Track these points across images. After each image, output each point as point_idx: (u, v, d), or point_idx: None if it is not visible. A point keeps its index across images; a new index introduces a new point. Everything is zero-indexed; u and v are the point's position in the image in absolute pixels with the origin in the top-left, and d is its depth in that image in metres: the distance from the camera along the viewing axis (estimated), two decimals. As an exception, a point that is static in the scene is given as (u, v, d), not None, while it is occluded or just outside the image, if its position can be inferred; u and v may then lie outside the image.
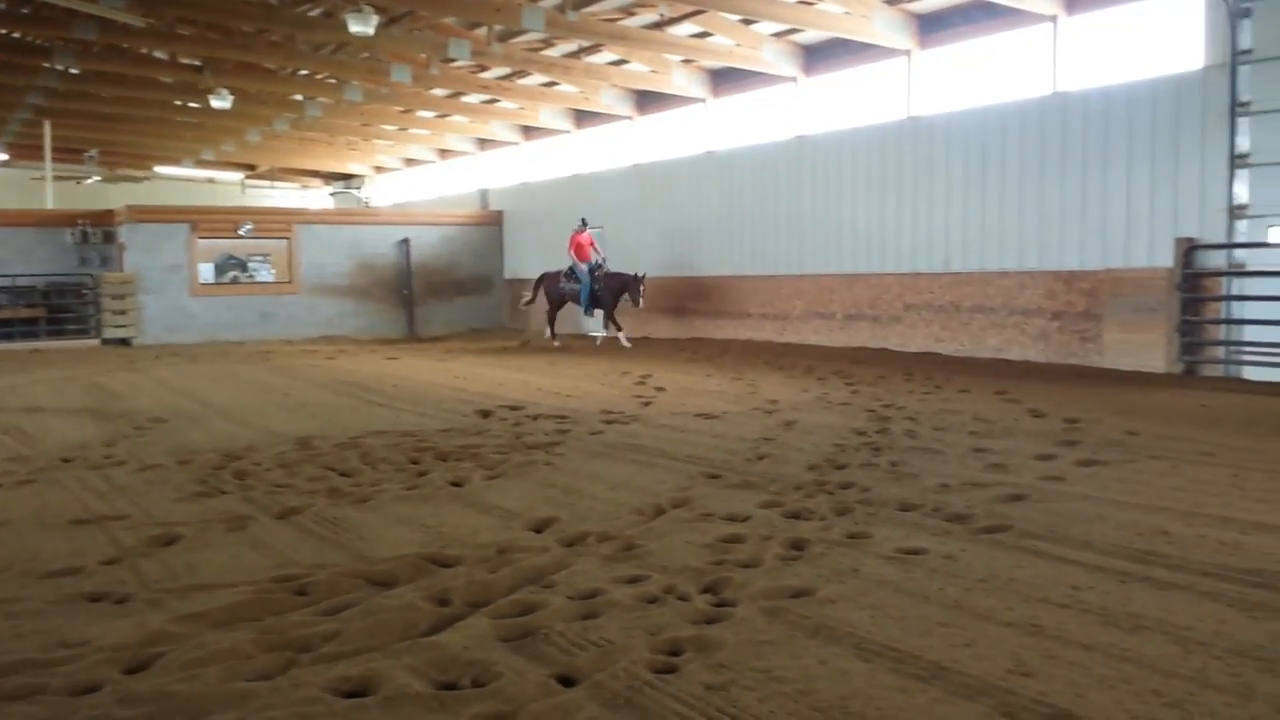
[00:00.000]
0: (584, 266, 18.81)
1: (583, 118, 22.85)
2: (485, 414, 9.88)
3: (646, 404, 10.45)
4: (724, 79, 19.01)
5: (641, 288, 17.98)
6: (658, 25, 16.71)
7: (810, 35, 16.56)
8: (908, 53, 15.52)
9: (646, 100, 20.84)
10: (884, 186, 15.87)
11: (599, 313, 19.34)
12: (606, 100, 20.79)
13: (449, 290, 24.88)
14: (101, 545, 5.32)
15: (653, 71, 18.98)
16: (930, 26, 15.23)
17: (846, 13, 14.77)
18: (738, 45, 16.94)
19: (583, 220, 19.28)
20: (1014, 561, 4.69)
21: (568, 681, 3.47)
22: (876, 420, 8.92)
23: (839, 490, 6.16)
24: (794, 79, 17.54)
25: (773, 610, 4.07)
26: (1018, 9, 13.46)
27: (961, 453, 7.33)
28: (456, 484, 6.65)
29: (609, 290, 18.47)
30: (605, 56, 18.96)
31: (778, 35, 16.87)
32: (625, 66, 19.15)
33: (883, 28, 15.02)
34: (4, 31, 18.30)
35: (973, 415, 9.10)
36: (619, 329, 18.50)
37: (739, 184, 18.54)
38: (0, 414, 10.63)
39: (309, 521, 5.77)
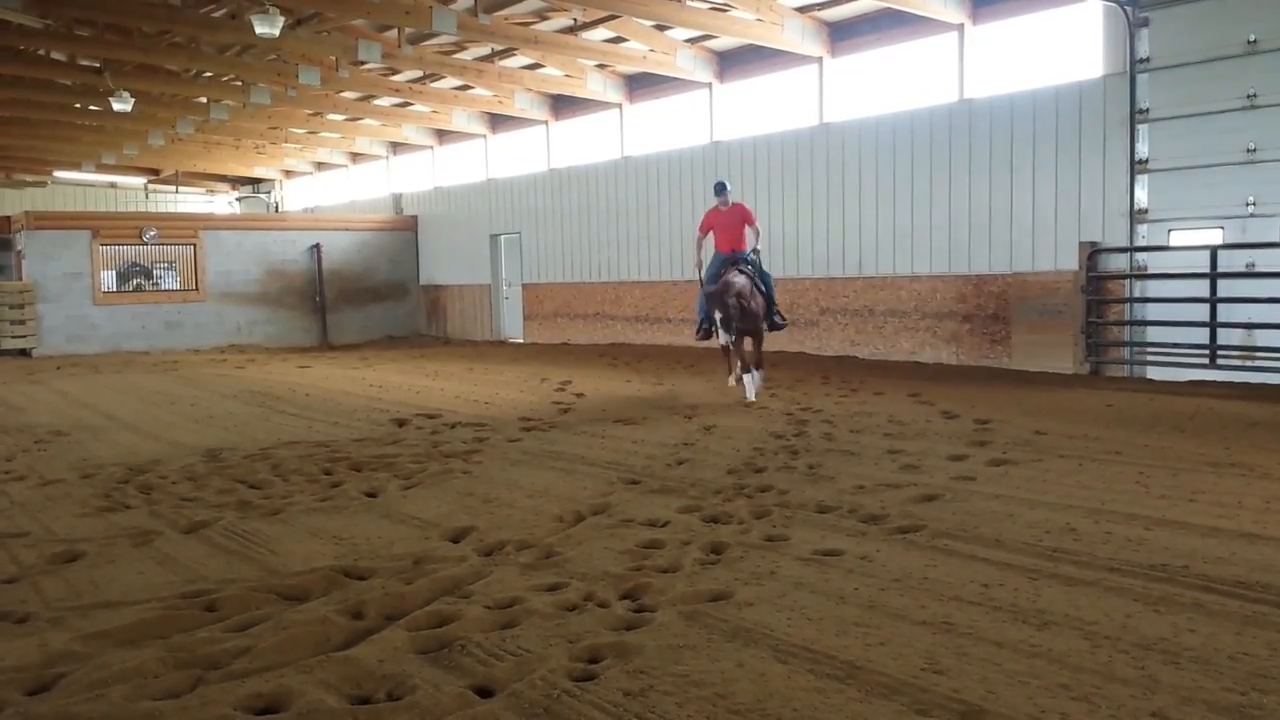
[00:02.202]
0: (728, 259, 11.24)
1: (497, 121, 22.72)
2: (401, 423, 9.75)
3: (566, 410, 10.41)
4: (640, 84, 19.08)
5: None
6: (571, 30, 16.69)
7: (724, 42, 16.70)
8: (819, 60, 15.75)
9: (562, 104, 20.81)
10: (798, 191, 16.08)
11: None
12: (521, 104, 20.70)
13: (363, 297, 24.51)
14: (0, 563, 5.12)
15: (567, 76, 18.95)
16: (841, 34, 15.48)
17: (759, 20, 14.93)
18: (652, 51, 17.01)
19: (720, 184, 11.55)
20: (927, 561, 4.77)
21: (485, 693, 3.44)
22: (794, 423, 9.02)
23: (757, 494, 6.21)
24: (708, 84, 17.68)
25: (692, 615, 4.08)
26: (925, 17, 13.76)
27: (877, 454, 7.45)
28: (371, 494, 6.55)
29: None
30: (519, 60, 18.87)
31: (692, 41, 16.99)
32: (540, 71, 19.08)
33: (794, 35, 15.22)
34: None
35: (888, 417, 9.26)
36: (755, 367, 11.04)
37: (657, 188, 18.62)
38: (-113, 429, 10.15)
39: (218, 535, 5.62)
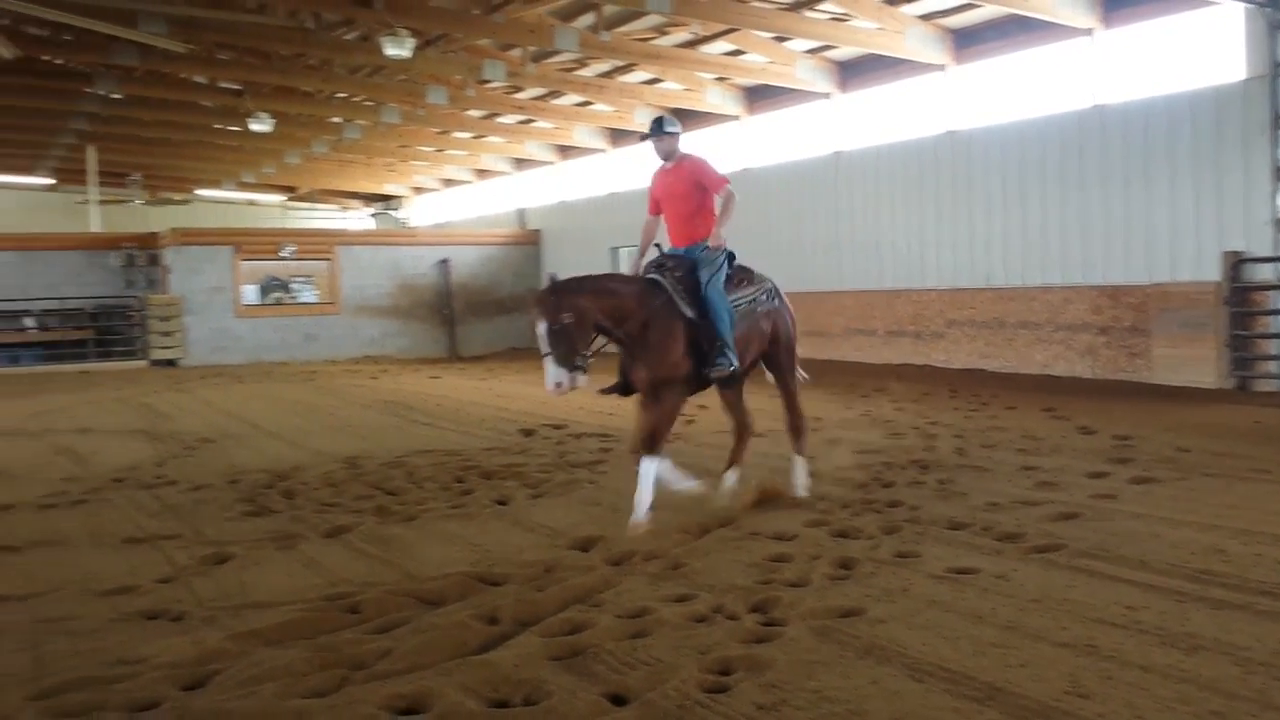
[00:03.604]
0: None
1: (617, 136, 22.96)
2: (528, 433, 9.92)
3: (689, 422, 10.43)
4: (759, 96, 19.03)
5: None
6: (690, 44, 16.78)
7: (844, 51, 16.54)
8: (943, 68, 15.46)
9: (680, 118, 20.92)
10: (923, 201, 15.80)
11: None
12: (640, 119, 20.88)
13: (489, 309, 25.03)
14: (156, 564, 5.40)
15: (686, 90, 19.04)
16: (965, 41, 15.16)
17: (880, 29, 14.74)
18: (771, 62, 16.96)
19: (657, 122, 6.70)
20: (1067, 581, 4.63)
21: (619, 700, 3.48)
22: (923, 438, 8.85)
23: (886, 509, 6.12)
24: (829, 95, 17.53)
25: (823, 630, 4.05)
26: (1054, 23, 13.38)
27: (1010, 470, 7.26)
28: (501, 502, 6.69)
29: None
30: (639, 76, 19.05)
31: (811, 52, 16.87)
32: (659, 85, 19.23)
33: (917, 44, 14.98)
34: (47, 58, 18.65)
35: (1021, 432, 9.01)
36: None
37: (776, 200, 18.52)
38: (52, 435, 10.83)
39: (358, 540, 5.82)
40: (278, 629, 4.27)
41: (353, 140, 23.85)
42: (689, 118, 20.48)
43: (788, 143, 18.79)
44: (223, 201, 33.28)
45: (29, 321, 22.60)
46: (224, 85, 20.82)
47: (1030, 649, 3.81)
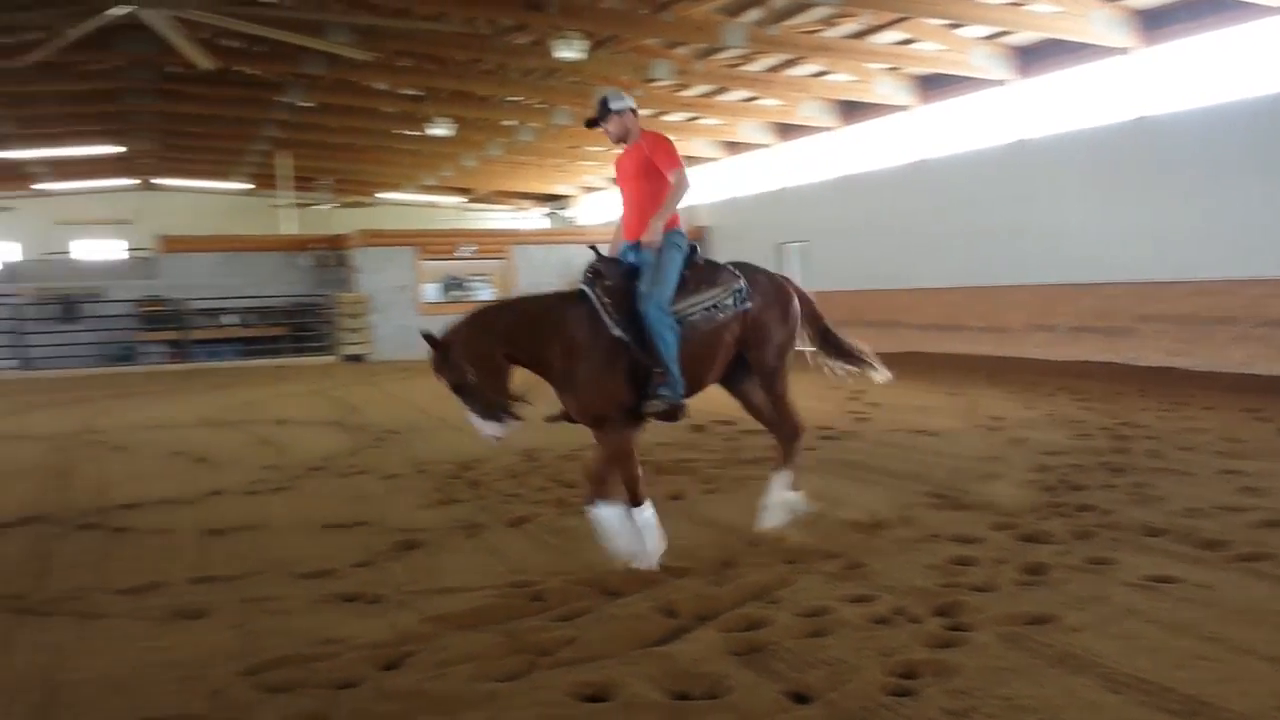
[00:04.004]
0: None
1: (784, 130, 22.76)
2: (698, 428, 9.97)
3: (862, 420, 10.28)
4: (931, 85, 18.49)
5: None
6: (860, 35, 16.46)
7: (1022, 37, 15.89)
8: (1126, 51, 14.66)
9: (850, 110, 20.54)
10: (1110, 190, 15.02)
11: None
12: (807, 112, 20.62)
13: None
14: (352, 549, 5.70)
15: (855, 81, 18.70)
16: (1154, 23, 14.31)
17: (1061, 12, 14.09)
18: (945, 50, 16.44)
19: (604, 100, 5.68)
20: (1277, 593, 4.34)
21: (801, 699, 3.47)
22: (1114, 439, 8.43)
23: (1076, 513, 5.86)
24: (1007, 81, 16.88)
25: (1012, 636, 3.93)
26: (1248, 1, 12.48)
27: (1211, 474, 6.84)
28: (675, 497, 6.75)
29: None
30: (806, 69, 18.81)
31: (987, 38, 16.29)
32: (826, 78, 18.94)
33: (1101, 26, 14.24)
34: (242, 69, 19.86)
35: (1221, 434, 8.47)
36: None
37: (951, 191, 17.98)
38: (253, 425, 11.56)
39: (539, 530, 6.00)
40: (468, 614, 4.45)
41: (525, 142, 24.48)
42: (858, 110, 20.14)
43: (963, 132, 18.21)
44: (404, 204, 34.72)
45: (230, 319, 24.20)
46: (405, 92, 21.72)
47: (1236, 663, 3.60)
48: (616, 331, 5.11)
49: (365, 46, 16.81)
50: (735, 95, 21.00)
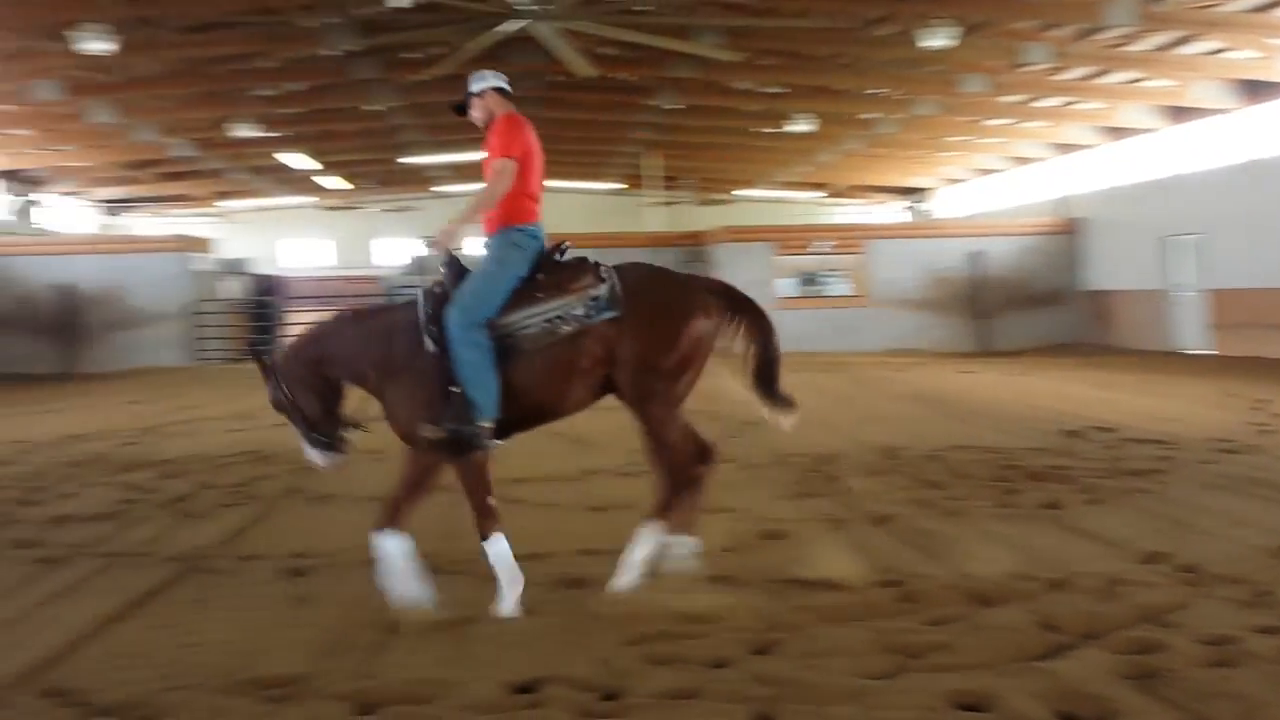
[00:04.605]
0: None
1: (1173, 114, 20.73)
2: (1072, 434, 9.36)
3: (1267, 432, 9.20)
4: (1364, 55, 16.12)
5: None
6: (1264, 7, 14.66)
7: None
8: None
9: (1253, 89, 18.33)
10: None
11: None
12: (1199, 94, 18.65)
13: (1021, 302, 23.95)
14: (718, 533, 5.87)
15: (1260, 58, 16.66)
16: None
17: None
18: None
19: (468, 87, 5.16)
20: None
21: (1210, 733, 3.18)
22: None
23: None
24: None
25: None
26: None
27: None
28: (1050, 506, 6.39)
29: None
30: (1200, 46, 17.02)
31: None
32: (1223, 55, 17.03)
33: None
34: (616, 75, 20.95)
35: None
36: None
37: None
38: (621, 410, 12.20)
39: (903, 530, 5.90)
40: (834, 608, 4.46)
41: (884, 135, 24.08)
42: (1264, 89, 17.91)
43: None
44: (759, 200, 35.30)
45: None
46: (766, 90, 22.07)
47: None
48: (430, 345, 4.56)
49: (732, 47, 17.26)
50: (1117, 77, 19.44)
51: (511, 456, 8.73)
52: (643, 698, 3.56)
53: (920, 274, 23.78)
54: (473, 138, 27.60)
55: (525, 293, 4.62)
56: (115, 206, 31.60)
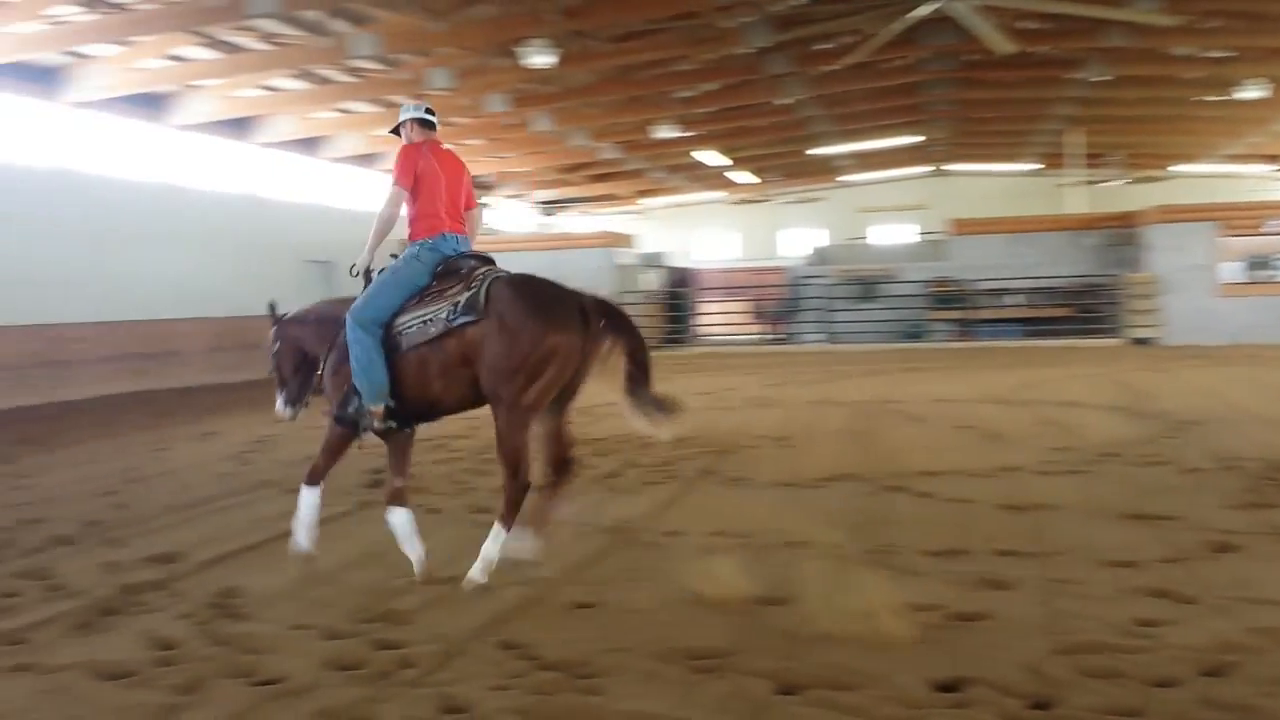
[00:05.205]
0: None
1: None
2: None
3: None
4: None
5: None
6: None
7: None
8: None
9: None
10: None
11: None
12: None
13: None
14: (1154, 543, 5.42)
15: None
16: None
17: None
18: None
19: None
20: None
21: None
22: None
23: None
24: None
25: None
26: None
27: None
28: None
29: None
30: None
31: None
32: None
33: None
34: (1037, 49, 19.70)
35: None
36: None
37: None
38: (1039, 405, 11.58)
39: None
40: (1286, 631, 3.97)
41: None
42: None
43: None
44: (1200, 176, 31.80)
45: (1013, 299, 24.50)
46: (1210, 55, 19.80)
47: None
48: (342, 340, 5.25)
49: (1171, 11, 15.71)
50: None
51: (919, 450, 8.62)
52: (1077, 710, 3.40)
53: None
54: (879, 125, 27.54)
55: (421, 298, 5.12)
56: (549, 206, 34.76)
